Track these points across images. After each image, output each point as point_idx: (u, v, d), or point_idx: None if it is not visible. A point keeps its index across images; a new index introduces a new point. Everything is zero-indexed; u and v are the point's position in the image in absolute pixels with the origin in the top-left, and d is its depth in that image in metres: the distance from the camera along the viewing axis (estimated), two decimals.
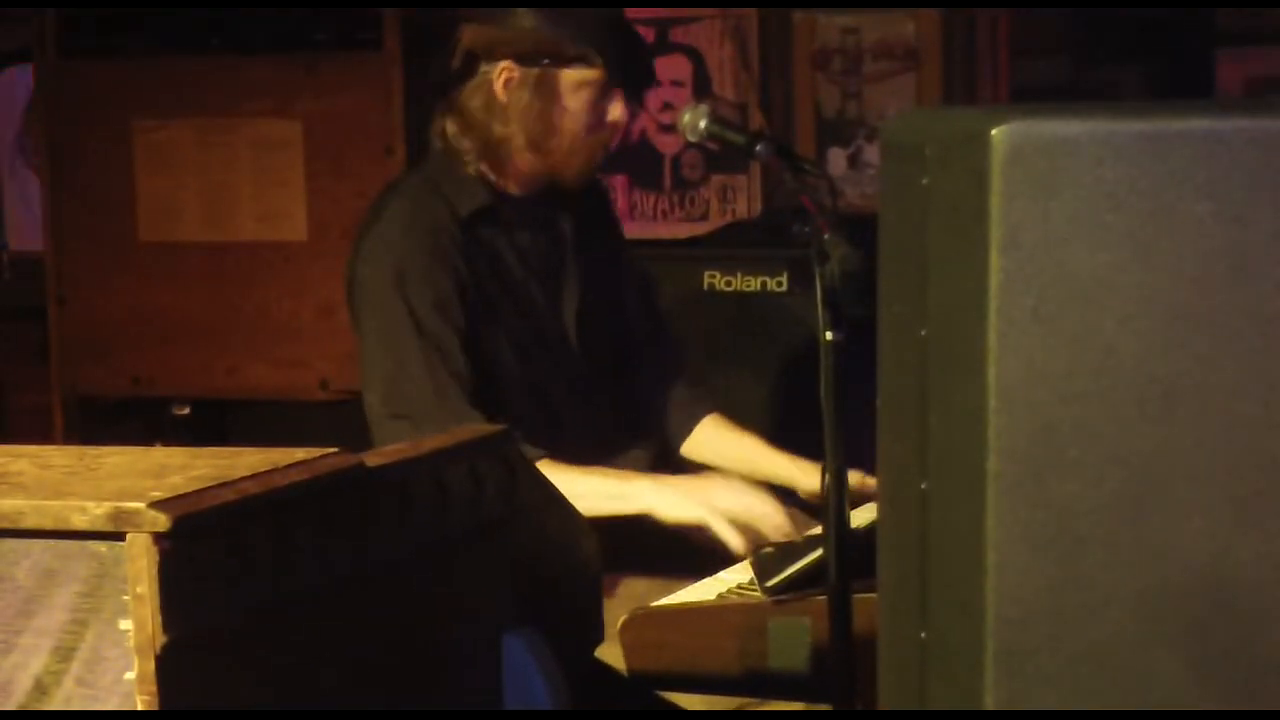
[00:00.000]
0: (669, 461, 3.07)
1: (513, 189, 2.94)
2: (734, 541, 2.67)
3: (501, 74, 2.85)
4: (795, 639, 2.31)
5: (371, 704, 1.83)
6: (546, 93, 2.84)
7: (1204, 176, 1.45)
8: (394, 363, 2.82)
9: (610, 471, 2.82)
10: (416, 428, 2.71)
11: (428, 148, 3.00)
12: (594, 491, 2.71)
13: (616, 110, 2.87)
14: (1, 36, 4.59)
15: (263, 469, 1.69)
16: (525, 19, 2.83)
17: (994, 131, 1.45)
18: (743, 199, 4.68)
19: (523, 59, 2.83)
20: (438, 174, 2.93)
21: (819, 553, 2.28)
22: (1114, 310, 1.46)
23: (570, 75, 2.84)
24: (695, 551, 2.72)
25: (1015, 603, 1.47)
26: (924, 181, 1.53)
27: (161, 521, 1.53)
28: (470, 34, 2.88)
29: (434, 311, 2.80)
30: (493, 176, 2.92)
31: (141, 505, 1.53)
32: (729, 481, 2.82)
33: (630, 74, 2.89)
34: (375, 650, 1.84)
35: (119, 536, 1.54)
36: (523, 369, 2.91)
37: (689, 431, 3.13)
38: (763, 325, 3.75)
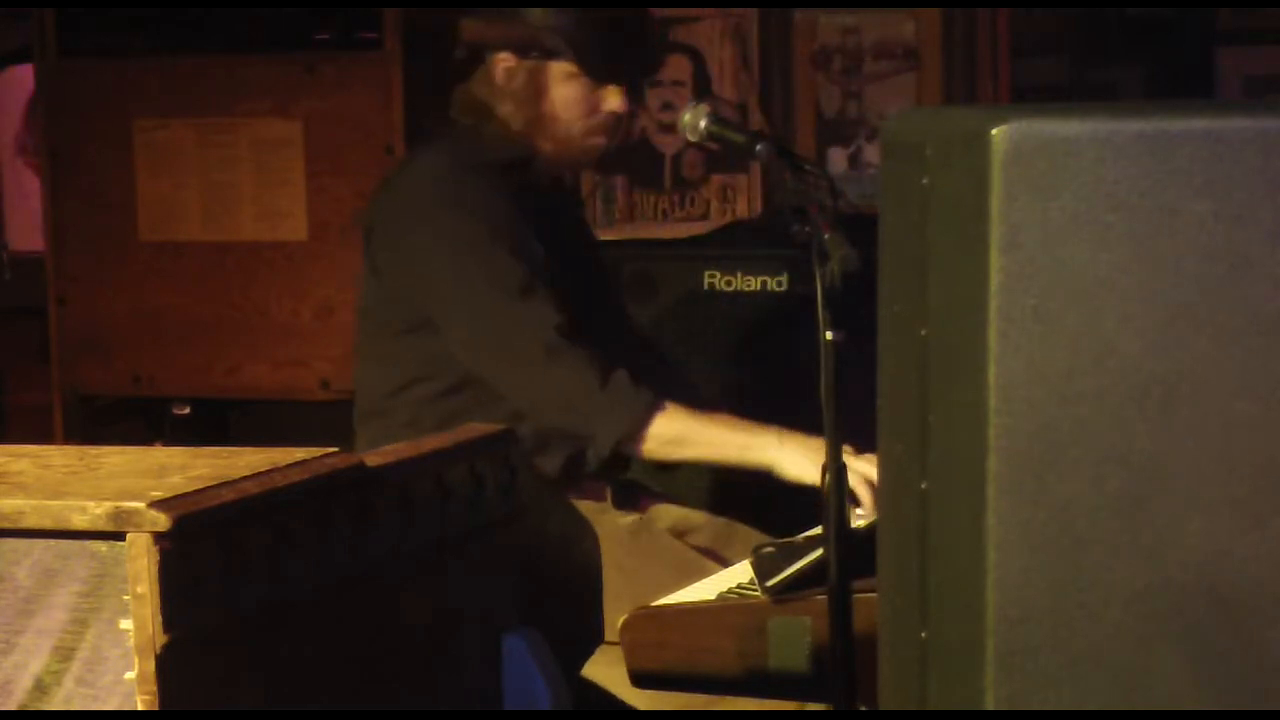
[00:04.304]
0: None
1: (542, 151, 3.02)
2: (865, 497, 2.61)
3: (500, 63, 2.96)
4: (795, 639, 2.30)
5: (371, 704, 1.83)
6: (538, 82, 2.95)
7: (1204, 176, 1.45)
8: (510, 287, 2.83)
9: (736, 421, 2.82)
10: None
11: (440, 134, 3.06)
12: (724, 440, 2.77)
13: (611, 101, 2.95)
14: (1, 36, 4.59)
15: (263, 469, 1.69)
16: (526, 14, 2.95)
17: (994, 131, 1.45)
18: (743, 199, 4.68)
19: (517, 50, 2.95)
20: (468, 138, 3.00)
21: (819, 553, 2.28)
22: (1114, 310, 1.46)
23: (557, 68, 2.94)
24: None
25: (1015, 603, 1.47)
26: (924, 181, 1.53)
27: (161, 521, 1.53)
28: (470, 28, 3.00)
29: (509, 228, 2.86)
30: (519, 138, 2.99)
31: (141, 505, 1.53)
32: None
33: (617, 70, 2.96)
34: (375, 650, 1.84)
35: (119, 536, 1.54)
36: None
37: None
38: (763, 325, 3.75)
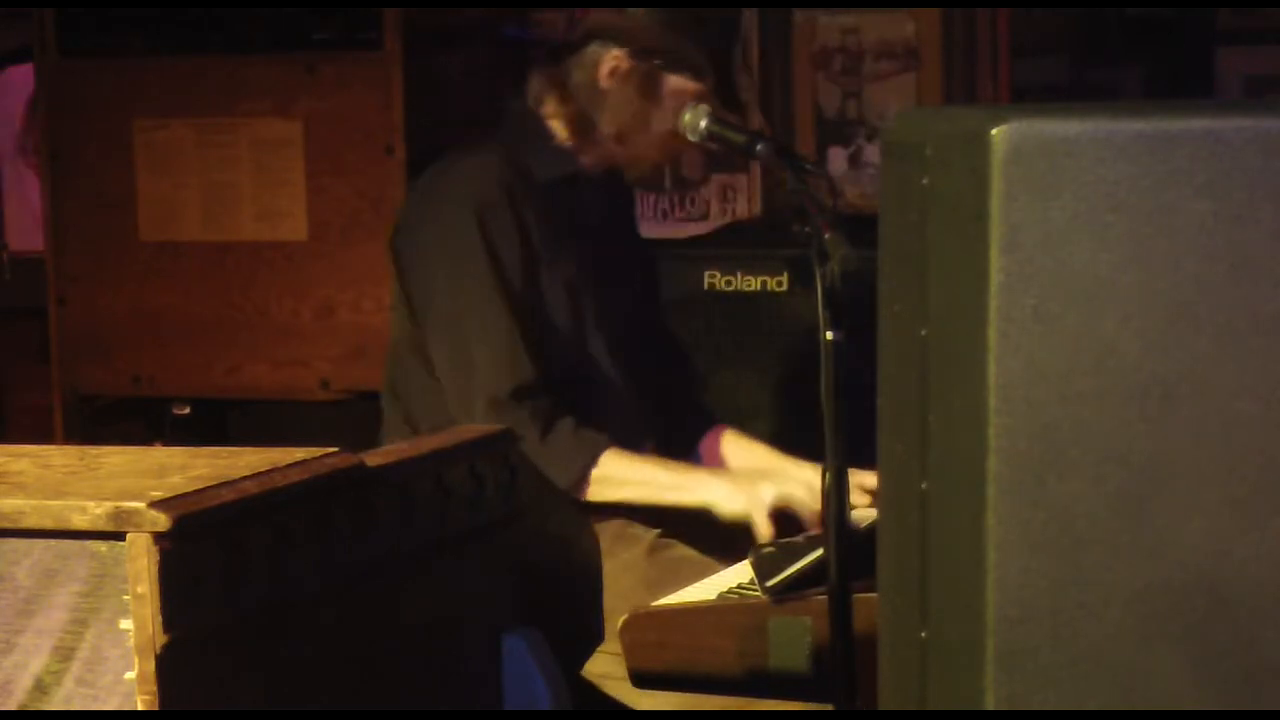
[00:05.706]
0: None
1: (585, 163, 2.98)
2: (766, 535, 2.71)
3: (610, 61, 2.90)
4: (795, 639, 2.31)
5: (371, 704, 1.83)
6: (648, 91, 2.89)
7: (1204, 176, 1.45)
8: (495, 330, 2.84)
9: (670, 462, 2.86)
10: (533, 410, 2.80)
11: (502, 113, 3.04)
12: (656, 481, 2.81)
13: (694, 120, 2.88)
14: (1, 36, 4.59)
15: (262, 469, 1.69)
16: (648, 16, 2.88)
17: (994, 131, 1.45)
18: (743, 199, 4.68)
19: (635, 53, 2.88)
20: (517, 139, 2.96)
21: (819, 553, 2.29)
22: (1114, 310, 1.46)
23: (675, 81, 2.88)
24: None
25: (1015, 603, 1.47)
26: (924, 181, 1.53)
27: (161, 521, 1.53)
28: (594, 15, 2.93)
29: (521, 267, 2.84)
30: (572, 147, 2.95)
31: (141, 505, 1.53)
32: (778, 473, 2.85)
33: (723, 92, 2.92)
34: (375, 650, 1.84)
35: (119, 536, 1.54)
36: (575, 341, 2.95)
37: (696, 441, 3.14)
38: (763, 325, 3.75)
